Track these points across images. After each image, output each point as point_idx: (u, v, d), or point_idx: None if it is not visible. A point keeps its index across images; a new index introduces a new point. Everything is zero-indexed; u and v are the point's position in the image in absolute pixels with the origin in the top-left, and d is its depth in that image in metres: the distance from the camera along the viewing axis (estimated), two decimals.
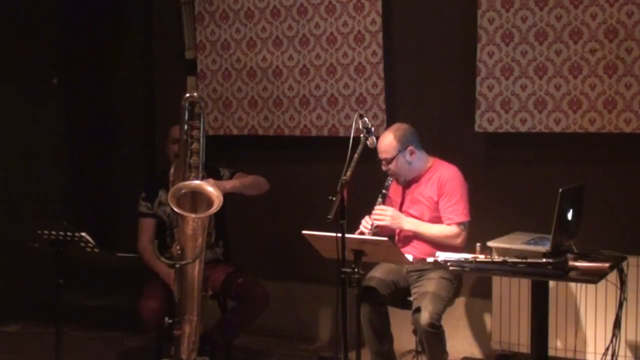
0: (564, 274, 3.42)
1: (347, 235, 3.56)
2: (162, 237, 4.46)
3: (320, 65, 5.00)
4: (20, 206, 5.69)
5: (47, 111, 5.96)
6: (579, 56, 4.36)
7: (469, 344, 4.85)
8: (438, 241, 4.07)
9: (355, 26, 4.88)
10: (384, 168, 4.16)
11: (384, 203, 4.14)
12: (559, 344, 4.41)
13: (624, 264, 3.74)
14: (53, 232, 3.89)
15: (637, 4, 4.22)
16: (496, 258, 3.52)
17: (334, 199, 3.51)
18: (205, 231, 4.01)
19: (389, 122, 4.71)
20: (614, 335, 3.84)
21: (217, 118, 5.31)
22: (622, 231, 4.40)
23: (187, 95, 4.05)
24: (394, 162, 4.12)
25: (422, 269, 4.14)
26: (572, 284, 4.31)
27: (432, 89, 4.85)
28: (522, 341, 4.43)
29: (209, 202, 3.96)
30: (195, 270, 4.00)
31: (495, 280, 4.55)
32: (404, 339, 4.47)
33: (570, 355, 4.39)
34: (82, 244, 3.92)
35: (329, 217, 3.49)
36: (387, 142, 4.12)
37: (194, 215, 3.94)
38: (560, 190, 3.47)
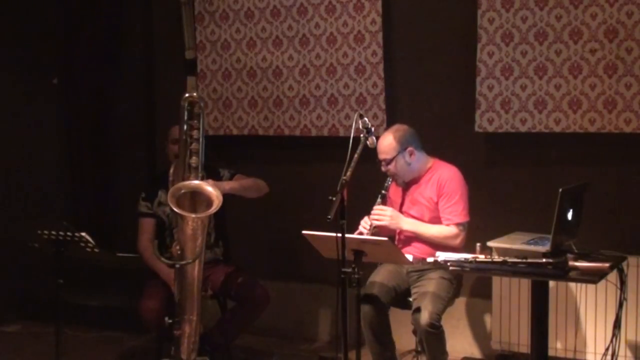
0: (564, 274, 3.42)
1: (347, 235, 3.56)
2: (161, 237, 4.46)
3: (320, 65, 5.00)
4: (20, 206, 5.69)
5: (47, 111, 5.96)
6: (579, 56, 4.36)
7: (469, 344, 4.85)
8: (437, 242, 4.06)
9: (355, 26, 4.88)
10: (383, 169, 4.16)
11: (383, 204, 4.14)
12: (559, 344, 4.41)
13: (624, 264, 3.73)
14: (53, 232, 3.89)
15: (637, 4, 4.22)
16: (496, 258, 3.52)
17: (334, 199, 3.51)
18: (205, 231, 4.00)
19: (389, 122, 4.72)
20: (614, 335, 3.84)
21: (217, 118, 5.32)
22: (622, 231, 4.40)
23: (187, 95, 4.05)
24: (393, 163, 4.12)
25: (422, 269, 4.14)
26: (572, 284, 4.31)
27: (432, 89, 4.85)
28: (522, 341, 4.43)
29: (209, 202, 3.96)
30: (195, 271, 3.99)
31: (495, 280, 4.55)
32: (404, 339, 4.47)
33: (570, 355, 4.39)
34: (82, 244, 3.92)
35: (329, 217, 3.49)
36: (387, 142, 4.12)
37: (193, 215, 3.94)
38: (560, 190, 3.47)
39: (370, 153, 3.95)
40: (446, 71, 4.80)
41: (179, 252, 3.95)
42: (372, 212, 4.09)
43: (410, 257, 3.99)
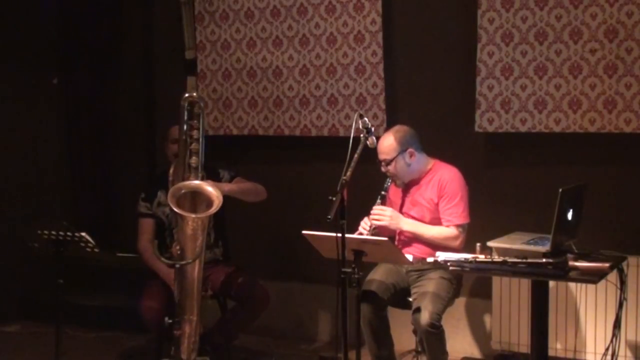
0: (564, 274, 3.42)
1: (347, 235, 3.56)
2: (161, 238, 4.46)
3: (320, 65, 5.00)
4: (20, 206, 5.69)
5: (47, 111, 5.96)
6: (579, 56, 4.36)
7: (469, 344, 4.85)
8: (437, 242, 4.06)
9: (355, 26, 4.88)
10: (383, 169, 4.16)
11: (383, 204, 4.14)
12: (559, 344, 4.41)
13: (624, 264, 3.73)
14: (53, 232, 3.89)
15: (637, 4, 4.22)
16: (496, 258, 3.52)
17: (334, 199, 3.51)
18: (205, 231, 4.01)
19: (389, 122, 4.72)
20: (614, 335, 3.84)
21: (217, 118, 5.32)
22: (622, 231, 4.40)
23: (187, 95, 4.05)
24: (393, 164, 4.11)
25: (422, 268, 4.14)
26: (572, 284, 4.31)
27: (432, 88, 4.85)
28: (522, 341, 4.43)
29: (209, 202, 3.96)
30: (195, 271, 4.00)
31: (495, 280, 4.55)
32: (404, 339, 4.47)
33: (570, 355, 4.39)
34: (82, 244, 3.92)
35: (329, 217, 3.49)
36: (387, 143, 4.12)
37: (193, 216, 3.94)
38: (560, 190, 3.47)
39: (370, 153, 3.95)
40: (446, 71, 4.80)
41: (179, 252, 3.95)
42: (372, 212, 4.09)
43: (410, 257, 3.99)
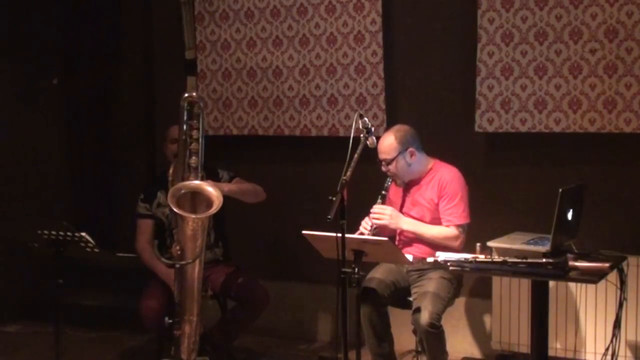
0: (564, 274, 3.42)
1: (347, 235, 3.56)
2: (161, 238, 4.46)
3: (320, 65, 5.00)
4: (20, 206, 5.68)
5: (47, 111, 5.96)
6: (579, 56, 4.36)
7: (469, 344, 4.85)
8: (437, 242, 4.06)
9: (355, 26, 4.88)
10: (383, 169, 4.16)
11: (383, 204, 4.14)
12: (559, 344, 4.41)
13: (624, 264, 3.74)
14: (53, 232, 3.89)
15: (637, 4, 4.22)
16: (496, 258, 3.52)
17: (334, 199, 3.51)
18: (205, 232, 4.00)
19: (389, 122, 4.72)
20: (614, 335, 3.84)
21: (217, 118, 5.31)
22: (622, 231, 4.40)
23: (186, 95, 4.05)
24: (393, 163, 4.11)
25: (422, 268, 4.14)
26: (572, 284, 4.31)
27: (432, 88, 4.85)
28: (522, 341, 4.43)
29: (209, 202, 3.96)
30: (195, 271, 4.00)
31: (495, 280, 4.55)
32: (404, 339, 4.47)
33: (570, 355, 4.39)
34: (82, 244, 3.92)
35: (329, 217, 3.49)
36: (388, 143, 4.11)
37: (193, 216, 3.94)
38: (560, 190, 3.48)
39: (370, 153, 3.95)
40: (446, 71, 4.80)
41: (179, 253, 3.95)
42: (372, 211, 4.09)
43: (410, 257, 3.99)
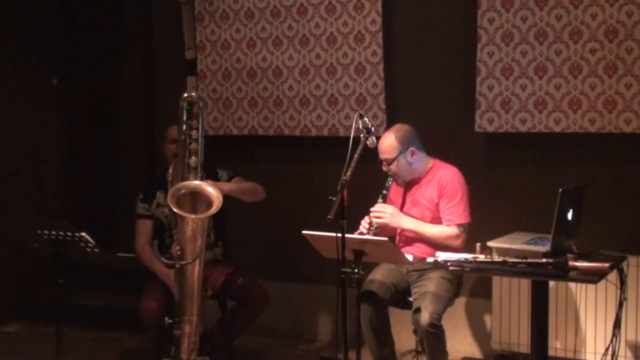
0: (564, 274, 3.42)
1: (347, 235, 3.56)
2: (161, 238, 4.46)
3: (320, 65, 5.00)
4: (20, 206, 5.69)
5: (47, 111, 5.96)
6: (579, 56, 4.36)
7: (469, 344, 4.85)
8: (438, 242, 4.06)
9: (355, 26, 4.88)
10: (384, 169, 4.16)
11: (384, 203, 4.14)
12: (559, 344, 4.41)
13: (624, 264, 3.73)
14: (53, 232, 3.89)
15: (637, 4, 4.22)
16: (496, 258, 3.52)
17: (334, 199, 3.51)
18: (205, 232, 4.00)
19: (389, 122, 4.72)
20: (614, 335, 3.84)
21: (217, 118, 5.31)
22: (622, 231, 4.40)
23: (185, 95, 4.05)
24: (395, 163, 4.11)
25: (422, 268, 4.14)
26: (572, 284, 4.31)
27: (432, 89, 4.85)
28: (522, 341, 4.43)
29: (209, 202, 3.96)
30: (195, 271, 3.99)
31: (495, 280, 4.55)
32: (404, 339, 4.47)
33: (570, 355, 4.39)
34: (82, 244, 3.92)
35: (329, 217, 3.49)
36: (388, 142, 4.11)
37: (193, 216, 3.94)
38: (560, 190, 3.47)
39: (371, 153, 3.95)
40: (446, 71, 4.80)
41: (178, 253, 3.95)
42: (373, 210, 4.09)
43: (410, 257, 3.99)
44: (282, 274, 5.25)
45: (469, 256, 3.57)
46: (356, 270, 3.60)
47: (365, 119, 3.75)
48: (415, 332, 4.12)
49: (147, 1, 5.67)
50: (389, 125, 4.53)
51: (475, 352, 4.84)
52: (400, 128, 4.17)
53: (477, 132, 4.64)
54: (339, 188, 3.55)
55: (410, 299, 4.09)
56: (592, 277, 3.44)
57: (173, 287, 4.10)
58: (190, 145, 4.03)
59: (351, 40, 4.90)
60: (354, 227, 4.02)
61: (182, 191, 3.97)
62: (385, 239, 3.69)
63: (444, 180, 4.13)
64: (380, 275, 4.16)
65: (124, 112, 5.92)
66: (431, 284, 4.03)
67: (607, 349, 3.94)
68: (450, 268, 3.60)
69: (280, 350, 5.09)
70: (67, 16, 5.95)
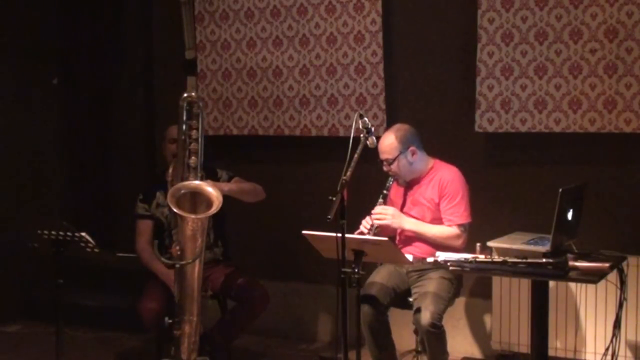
0: (564, 274, 3.42)
1: (347, 235, 3.56)
2: (161, 238, 4.45)
3: (320, 65, 5.00)
4: (20, 206, 5.69)
5: (47, 111, 5.96)
6: (579, 56, 4.36)
7: (469, 344, 4.85)
8: (439, 242, 4.06)
9: (355, 26, 4.87)
10: (385, 169, 4.16)
11: (384, 203, 4.14)
12: (559, 344, 4.41)
13: (624, 264, 3.73)
14: (53, 232, 3.89)
15: (637, 4, 4.22)
16: (496, 258, 3.52)
17: (334, 199, 3.51)
18: (205, 232, 4.00)
19: (389, 122, 4.72)
20: (614, 335, 3.84)
21: (217, 118, 5.31)
22: (622, 231, 4.40)
23: (185, 95, 4.05)
24: (395, 163, 4.11)
25: (422, 268, 4.14)
26: (572, 284, 4.31)
27: (432, 89, 4.85)
28: (522, 341, 4.43)
29: (208, 202, 3.96)
30: (195, 271, 3.99)
31: (495, 280, 4.55)
32: (404, 339, 4.47)
33: (570, 355, 4.39)
34: (82, 244, 3.92)
35: (329, 217, 3.49)
36: (389, 142, 4.11)
37: (193, 216, 3.94)
38: (560, 190, 3.47)
39: (371, 153, 3.95)
40: (446, 71, 4.80)
41: (178, 253, 3.95)
42: (374, 212, 4.09)
43: (410, 257, 3.99)
44: (282, 274, 5.25)
45: (469, 256, 3.57)
46: (356, 270, 3.60)
47: (365, 119, 3.75)
48: (416, 332, 4.12)
49: (147, 1, 5.67)
50: (389, 125, 4.53)
51: (475, 352, 4.84)
52: (400, 128, 4.17)
53: (477, 132, 4.64)
54: (339, 188, 3.55)
55: (411, 299, 4.09)
56: (592, 277, 3.44)
57: (173, 287, 4.10)
58: (190, 145, 4.03)
59: (351, 40, 4.90)
60: (354, 227, 4.02)
61: (182, 191, 3.97)
62: (385, 239, 3.69)
63: (444, 181, 4.13)
64: (381, 278, 4.15)
65: (124, 112, 5.92)
66: (431, 284, 4.03)
67: (607, 349, 3.94)
68: (450, 268, 3.60)
69: (280, 350, 5.09)
70: (67, 16, 5.95)
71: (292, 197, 5.20)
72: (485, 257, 3.54)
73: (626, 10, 4.24)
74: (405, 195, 4.25)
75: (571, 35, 4.37)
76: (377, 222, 4.06)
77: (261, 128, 5.20)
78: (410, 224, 4.13)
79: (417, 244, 4.16)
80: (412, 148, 4.12)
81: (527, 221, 4.37)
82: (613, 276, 3.68)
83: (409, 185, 4.24)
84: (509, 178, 4.68)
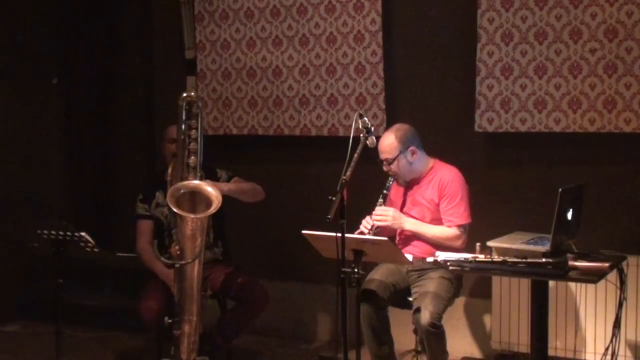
0: (564, 274, 3.42)
1: (347, 235, 3.55)
2: (161, 238, 4.45)
3: (320, 65, 5.00)
4: (20, 206, 5.69)
5: (47, 111, 5.96)
6: (579, 56, 4.36)
7: (469, 344, 4.85)
8: (439, 243, 4.06)
9: (355, 26, 4.87)
10: (385, 169, 4.16)
11: (385, 204, 4.14)
12: (559, 344, 4.41)
13: (624, 264, 3.73)
14: (53, 232, 3.89)
15: (637, 4, 4.22)
16: (496, 258, 3.52)
17: (334, 199, 3.51)
18: (205, 232, 4.00)
19: (389, 122, 4.72)
20: (614, 335, 3.84)
21: (217, 118, 5.31)
22: (622, 231, 4.40)
23: (185, 95, 4.05)
24: (395, 163, 4.11)
25: (422, 268, 4.14)
26: (572, 284, 4.31)
27: (432, 89, 4.85)
28: (522, 341, 4.43)
29: (208, 202, 3.96)
30: (195, 271, 3.99)
31: (495, 280, 4.55)
32: (404, 339, 4.47)
33: (570, 355, 4.39)
34: (82, 244, 3.92)
35: (329, 217, 3.49)
36: (389, 142, 4.11)
37: (193, 216, 3.94)
38: (560, 190, 3.47)
39: (371, 153, 3.95)
40: (446, 71, 4.80)
41: (178, 253, 3.95)
42: (374, 213, 4.09)
43: (410, 257, 3.99)
44: (282, 274, 5.24)
45: (469, 256, 3.57)
46: (356, 270, 3.60)
47: (365, 119, 3.75)
48: (415, 332, 4.12)
49: (147, 1, 5.67)
50: (389, 125, 4.54)
51: (475, 352, 4.84)
52: (400, 128, 4.17)
53: (477, 132, 4.64)
54: (339, 188, 3.55)
55: (411, 299, 4.09)
56: (592, 277, 3.44)
57: (173, 287, 4.10)
58: (190, 145, 4.03)
59: (351, 40, 4.90)
60: (354, 227, 4.02)
61: (182, 191, 3.97)
62: (385, 239, 3.69)
63: (444, 181, 4.13)
64: (380, 275, 4.16)
65: (124, 112, 5.92)
66: (431, 284, 4.03)
67: (607, 349, 3.94)
68: (450, 268, 3.60)
69: (280, 350, 5.09)
70: (67, 16, 5.95)
71: (292, 197, 5.20)
72: (485, 257, 3.54)
73: (626, 10, 4.24)
74: (405, 195, 4.25)
75: (571, 35, 4.37)
76: (378, 224, 4.06)
77: (261, 128, 5.20)
78: (410, 225, 4.13)
79: (417, 243, 4.16)
80: (412, 148, 4.12)
81: (527, 221, 4.37)
82: (613, 276, 3.68)
83: (409, 185, 4.24)
84: (509, 178, 4.68)
